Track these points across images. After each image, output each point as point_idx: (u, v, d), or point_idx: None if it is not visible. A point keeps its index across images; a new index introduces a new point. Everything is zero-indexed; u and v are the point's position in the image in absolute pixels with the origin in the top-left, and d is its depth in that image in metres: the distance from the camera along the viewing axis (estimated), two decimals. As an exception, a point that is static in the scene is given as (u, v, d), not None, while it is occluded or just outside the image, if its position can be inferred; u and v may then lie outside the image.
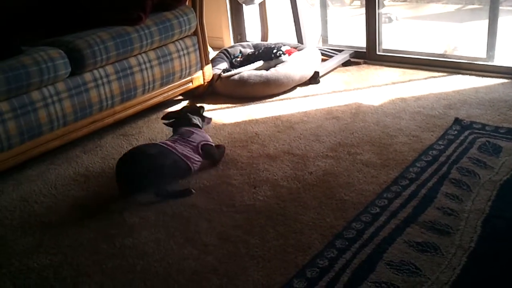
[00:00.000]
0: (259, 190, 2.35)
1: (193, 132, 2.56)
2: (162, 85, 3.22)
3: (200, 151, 2.51)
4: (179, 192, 2.36)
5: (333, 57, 3.86)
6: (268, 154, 2.66)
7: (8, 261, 2.03)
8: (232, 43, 4.41)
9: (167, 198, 2.34)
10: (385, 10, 4.70)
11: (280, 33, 4.46)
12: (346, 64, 3.88)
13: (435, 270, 1.75)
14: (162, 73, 3.19)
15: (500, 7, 3.43)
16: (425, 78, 3.48)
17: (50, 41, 2.84)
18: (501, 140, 2.55)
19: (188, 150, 2.47)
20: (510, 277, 1.73)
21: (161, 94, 3.24)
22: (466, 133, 2.65)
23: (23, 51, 2.64)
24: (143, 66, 3.07)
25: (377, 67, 3.78)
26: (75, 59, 2.74)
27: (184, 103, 3.47)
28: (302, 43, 3.90)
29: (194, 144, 2.51)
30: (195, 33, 3.39)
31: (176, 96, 3.44)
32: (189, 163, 2.44)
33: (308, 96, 3.41)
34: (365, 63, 3.87)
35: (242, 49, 3.88)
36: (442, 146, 2.55)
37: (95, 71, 2.85)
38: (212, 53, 3.89)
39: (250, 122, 3.08)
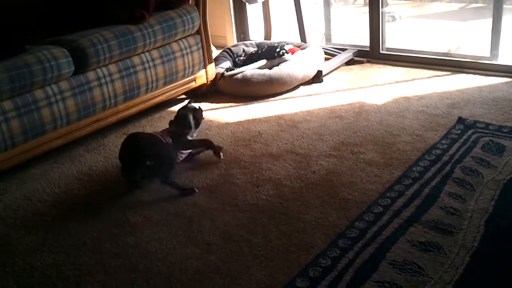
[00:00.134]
0: (262, 189, 2.35)
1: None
2: (165, 84, 3.22)
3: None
4: (183, 188, 2.37)
5: (336, 56, 3.86)
6: (271, 153, 2.66)
7: (12, 259, 2.03)
8: (235, 42, 4.41)
9: (173, 187, 2.35)
10: (389, 9, 4.69)
11: (283, 32, 4.46)
12: (349, 63, 3.88)
13: (438, 269, 1.75)
14: (165, 72, 3.19)
15: (504, 6, 3.42)
16: (429, 77, 3.48)
17: (53, 40, 2.84)
18: (504, 139, 2.55)
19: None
20: (514, 277, 1.72)
21: (164, 93, 3.24)
22: (470, 132, 2.65)
23: (27, 50, 2.64)
24: (146, 65, 3.07)
25: (381, 66, 3.77)
26: (79, 58, 2.74)
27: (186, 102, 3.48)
28: (305, 42, 3.90)
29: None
30: (198, 32, 3.39)
31: (179, 95, 3.44)
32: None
33: (311, 95, 3.41)
34: (368, 62, 3.87)
35: (245, 48, 3.88)
36: (446, 145, 2.55)
37: (98, 70, 2.86)
38: (215, 52, 3.89)
39: (253, 121, 3.08)
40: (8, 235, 2.20)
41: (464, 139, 2.59)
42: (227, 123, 3.08)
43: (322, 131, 2.84)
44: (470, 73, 3.45)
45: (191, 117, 2.64)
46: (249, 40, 4.30)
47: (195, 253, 1.97)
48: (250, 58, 3.63)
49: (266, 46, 3.69)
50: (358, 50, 3.92)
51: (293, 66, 3.43)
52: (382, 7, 3.73)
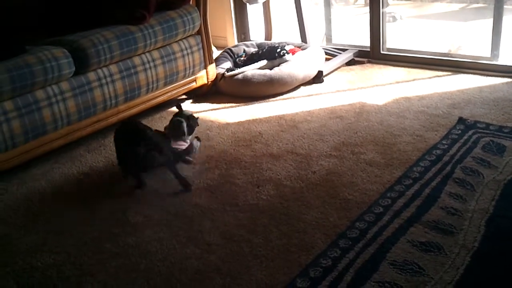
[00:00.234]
0: (262, 189, 2.35)
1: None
2: (165, 84, 3.22)
3: None
4: (183, 179, 2.39)
5: (337, 56, 3.86)
6: (271, 154, 2.66)
7: (12, 259, 2.03)
8: (236, 42, 4.41)
9: (174, 173, 2.38)
10: (389, 9, 4.68)
11: (284, 32, 4.46)
12: (350, 63, 3.88)
13: (438, 269, 1.75)
14: (166, 73, 3.19)
15: (505, 6, 3.42)
16: (429, 78, 3.48)
17: (54, 40, 2.84)
18: (505, 140, 2.54)
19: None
20: (514, 277, 1.72)
21: (164, 93, 3.24)
22: (470, 132, 2.65)
23: (27, 50, 2.65)
24: (147, 66, 3.07)
25: (381, 66, 3.77)
26: (79, 58, 2.75)
27: (189, 102, 3.48)
28: (306, 42, 3.90)
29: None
30: (198, 32, 3.39)
31: (180, 96, 3.45)
32: None
33: (311, 95, 3.41)
34: (369, 62, 3.87)
35: (246, 48, 3.88)
36: (446, 146, 2.54)
37: (99, 71, 2.86)
38: (215, 52, 3.89)
39: (253, 121, 3.08)
40: (8, 235, 2.20)
41: (464, 139, 2.59)
42: (227, 124, 3.08)
43: (323, 132, 2.84)
44: (471, 73, 3.44)
45: (185, 124, 2.64)
46: (250, 40, 4.30)
47: (196, 253, 1.97)
48: (251, 59, 3.63)
49: (266, 47, 3.69)
50: (359, 50, 3.92)
51: (293, 67, 3.43)
52: (382, 8, 3.73)
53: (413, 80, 3.47)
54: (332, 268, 1.80)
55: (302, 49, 3.69)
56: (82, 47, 2.76)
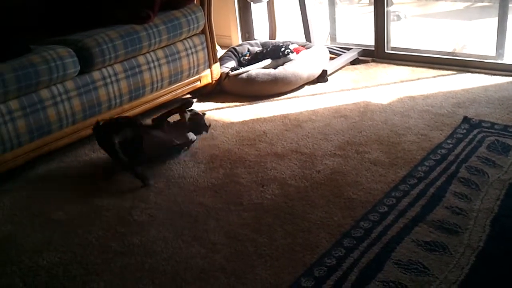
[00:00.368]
0: (267, 188, 2.35)
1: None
2: (170, 83, 3.23)
3: None
4: (142, 176, 2.48)
5: (341, 56, 3.85)
6: (276, 153, 2.66)
7: (18, 258, 2.04)
8: (240, 42, 4.41)
9: (133, 173, 2.48)
10: (394, 8, 4.68)
11: (288, 31, 4.46)
12: (354, 62, 3.87)
13: (443, 269, 1.75)
14: (170, 72, 3.19)
15: (510, 5, 3.41)
16: (434, 77, 3.47)
17: (58, 39, 2.85)
18: (510, 139, 2.54)
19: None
20: (519, 277, 1.72)
21: (169, 92, 3.25)
22: (475, 131, 2.64)
23: (32, 50, 2.65)
24: (152, 65, 3.08)
25: (386, 65, 3.77)
26: (84, 58, 2.75)
27: (193, 101, 3.49)
28: (310, 41, 3.90)
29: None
30: (203, 32, 3.39)
31: (184, 95, 3.45)
32: None
33: (316, 94, 3.41)
34: (373, 61, 3.86)
35: (250, 48, 3.88)
36: (451, 145, 2.54)
37: (104, 70, 2.87)
38: (220, 52, 3.89)
39: (258, 120, 3.08)
40: (14, 234, 2.21)
41: (469, 138, 2.58)
42: (232, 123, 3.08)
43: (327, 131, 2.84)
44: (476, 72, 3.44)
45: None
46: (254, 39, 4.30)
47: (200, 253, 1.97)
48: (255, 58, 3.63)
49: (271, 46, 3.69)
50: (363, 49, 3.91)
51: (298, 66, 3.43)
52: (387, 6, 3.72)
53: (418, 79, 3.46)
54: (337, 267, 1.80)
55: (307, 48, 3.69)
56: (87, 46, 2.76)
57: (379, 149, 2.59)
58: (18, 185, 2.60)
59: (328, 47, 3.88)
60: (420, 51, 3.77)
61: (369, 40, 3.90)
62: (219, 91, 3.57)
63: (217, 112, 3.26)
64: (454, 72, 3.51)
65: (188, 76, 3.34)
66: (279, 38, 4.13)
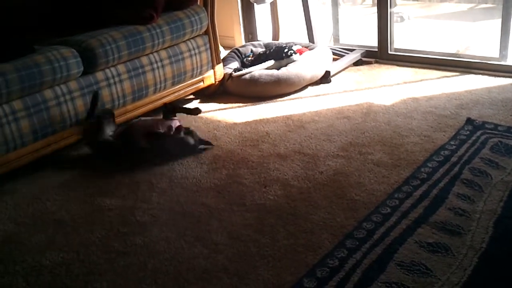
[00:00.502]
0: (269, 189, 2.35)
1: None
2: (173, 84, 3.23)
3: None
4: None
5: (345, 57, 3.85)
6: (278, 154, 2.66)
7: (21, 258, 2.05)
8: (243, 43, 4.41)
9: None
10: (397, 9, 4.68)
11: (291, 32, 4.46)
12: (357, 63, 3.87)
13: (446, 270, 1.75)
14: (174, 72, 3.20)
15: (514, 6, 3.40)
16: (437, 78, 3.47)
17: (62, 40, 2.85)
18: (513, 141, 2.54)
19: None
20: (522, 278, 1.72)
21: (172, 93, 3.25)
22: (478, 133, 2.64)
23: (36, 50, 2.66)
24: (155, 65, 3.08)
25: (389, 66, 3.76)
26: (88, 58, 2.76)
27: (196, 102, 3.49)
28: (313, 42, 3.90)
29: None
30: (206, 33, 3.40)
31: (187, 95, 3.45)
32: None
33: (319, 95, 3.41)
34: (376, 62, 3.86)
35: (253, 49, 3.88)
36: (454, 146, 2.54)
37: (107, 70, 2.87)
38: (223, 53, 3.89)
39: (261, 121, 3.08)
40: (17, 234, 2.21)
41: (472, 140, 2.58)
42: (235, 123, 3.08)
43: (330, 132, 2.84)
44: (479, 73, 3.43)
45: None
46: (257, 40, 4.30)
47: (203, 253, 1.97)
48: (258, 59, 3.63)
49: (274, 47, 3.69)
50: (366, 50, 3.91)
51: (301, 67, 3.43)
52: (390, 8, 3.72)
53: (421, 80, 3.46)
54: (339, 268, 1.80)
55: (310, 49, 3.69)
56: (91, 47, 2.77)
57: (382, 150, 2.59)
58: (21, 185, 2.60)
59: (331, 48, 3.88)
60: (424, 52, 3.77)
61: (373, 41, 3.89)
62: (222, 92, 3.57)
63: (220, 113, 3.26)
64: (458, 73, 3.50)
65: (191, 77, 3.34)
66: (282, 39, 4.13)
